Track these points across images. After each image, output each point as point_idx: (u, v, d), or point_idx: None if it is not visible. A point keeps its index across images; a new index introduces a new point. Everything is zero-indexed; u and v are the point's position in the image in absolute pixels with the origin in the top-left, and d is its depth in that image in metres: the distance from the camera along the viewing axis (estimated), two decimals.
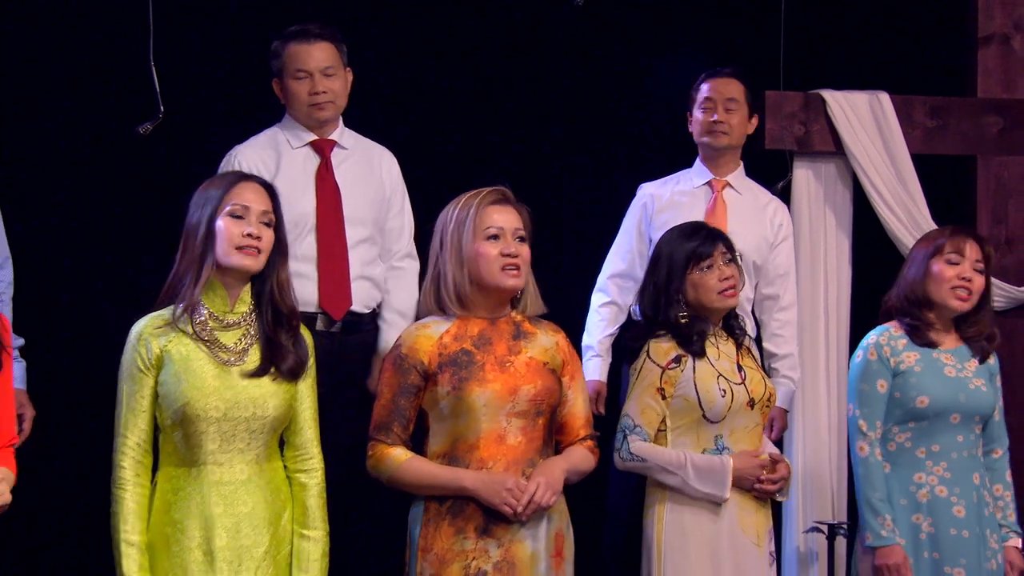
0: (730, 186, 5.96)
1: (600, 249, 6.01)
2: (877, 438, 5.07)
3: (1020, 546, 5.11)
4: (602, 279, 5.95)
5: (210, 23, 6.08)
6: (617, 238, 6.00)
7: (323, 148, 5.47)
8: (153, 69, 5.58)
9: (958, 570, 5.00)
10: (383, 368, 4.57)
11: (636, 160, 6.41)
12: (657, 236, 5.65)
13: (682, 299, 4.93)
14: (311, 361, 4.33)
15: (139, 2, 5.58)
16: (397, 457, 4.45)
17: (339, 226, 5.41)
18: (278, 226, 4.25)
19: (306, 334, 4.33)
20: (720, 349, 4.95)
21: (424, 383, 4.46)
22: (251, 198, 4.15)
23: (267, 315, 4.22)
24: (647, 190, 5.99)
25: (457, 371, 4.43)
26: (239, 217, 4.13)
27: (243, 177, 4.26)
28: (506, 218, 4.50)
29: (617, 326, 5.91)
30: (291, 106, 5.47)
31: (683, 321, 4.91)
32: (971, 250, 5.13)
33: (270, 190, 4.24)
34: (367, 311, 5.47)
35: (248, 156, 5.41)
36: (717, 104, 5.88)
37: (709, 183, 5.95)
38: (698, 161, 6.00)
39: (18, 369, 5.07)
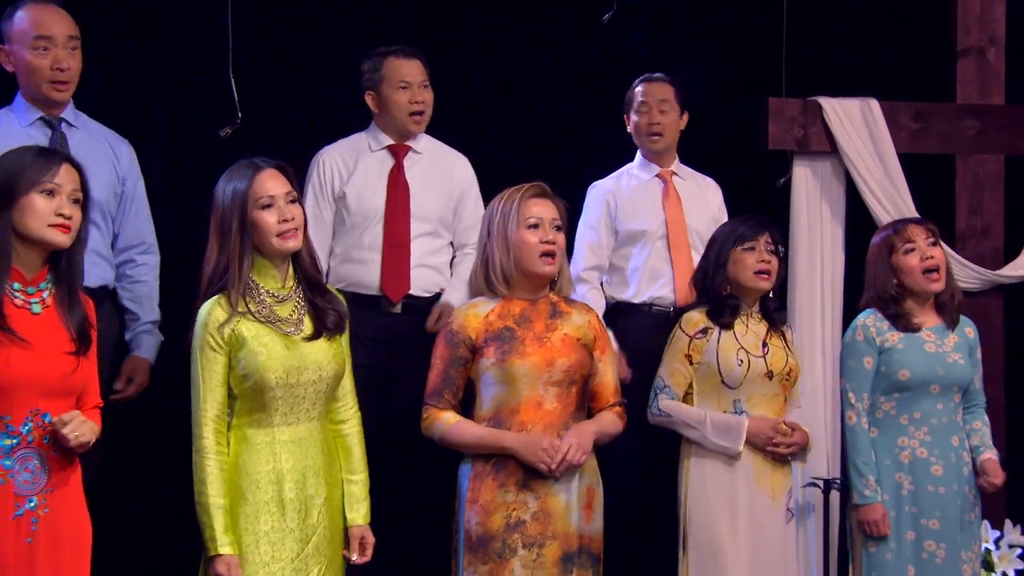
0: (675, 174, 5.98)
1: None
2: (864, 408, 5.21)
3: (995, 458, 5.27)
4: (577, 272, 5.83)
5: (283, 40, 6.17)
6: (584, 234, 5.95)
7: (398, 152, 5.61)
8: (232, 80, 5.66)
9: (933, 521, 5.14)
10: (436, 342, 4.73)
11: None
12: (627, 227, 5.87)
13: (724, 272, 5.14)
14: (347, 321, 4.37)
15: (220, 21, 5.67)
16: (447, 420, 4.66)
17: (405, 220, 5.54)
18: (301, 200, 4.30)
19: (339, 296, 4.38)
20: (749, 327, 5.15)
21: (472, 355, 4.66)
22: (272, 186, 4.17)
23: (304, 283, 4.27)
24: (604, 187, 5.99)
25: (501, 345, 4.62)
26: (269, 207, 4.15)
27: (258, 168, 4.20)
28: (545, 210, 4.69)
29: (603, 308, 5.88)
30: (389, 114, 5.58)
31: (723, 293, 5.13)
32: (917, 232, 5.26)
33: (285, 170, 4.25)
34: (427, 295, 5.56)
35: (330, 157, 5.59)
36: (652, 108, 5.90)
37: (658, 175, 5.96)
38: (640, 156, 6.00)
39: (152, 341, 5.28)
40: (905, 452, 5.19)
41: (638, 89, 5.94)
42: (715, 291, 5.13)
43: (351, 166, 5.55)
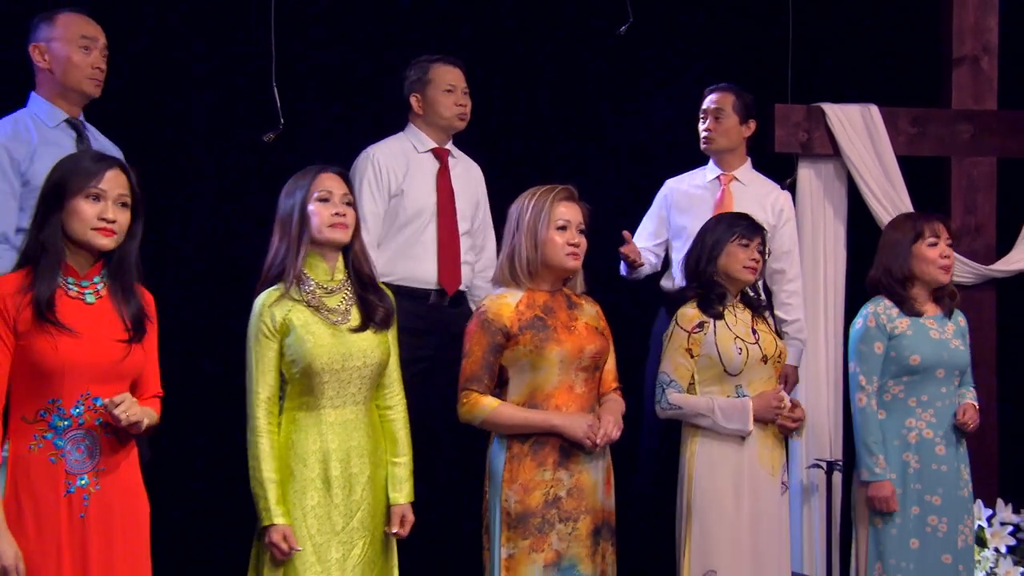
0: (736, 179, 6.05)
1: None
2: (873, 391, 5.27)
3: (975, 403, 5.35)
4: None
5: (322, 50, 6.19)
6: (644, 219, 6.14)
7: (442, 155, 5.70)
8: (275, 89, 5.76)
9: (936, 497, 5.22)
10: (471, 331, 4.70)
11: (655, 162, 6.51)
12: (676, 221, 6.02)
13: (716, 263, 5.15)
14: (394, 316, 4.47)
15: (264, 33, 5.78)
16: (490, 404, 4.63)
17: (454, 219, 5.64)
18: (355, 205, 4.42)
19: (388, 293, 4.47)
20: (737, 316, 5.14)
21: (506, 342, 4.63)
22: (333, 185, 4.32)
23: (355, 278, 4.38)
24: (669, 185, 6.14)
25: (536, 333, 4.61)
26: (326, 200, 4.30)
27: (323, 169, 4.37)
28: (573, 213, 4.71)
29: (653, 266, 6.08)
30: (436, 114, 5.65)
31: (713, 279, 5.14)
32: (943, 229, 5.35)
33: (345, 177, 4.40)
34: (467, 289, 5.69)
35: (383, 157, 5.60)
36: (708, 115, 6.03)
37: (718, 177, 6.06)
38: (711, 160, 6.12)
39: None
40: (912, 433, 5.26)
41: (704, 99, 6.08)
42: (707, 278, 5.17)
43: (404, 166, 5.60)
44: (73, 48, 4.97)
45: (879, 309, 5.33)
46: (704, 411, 5.03)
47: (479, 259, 5.79)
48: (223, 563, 4.95)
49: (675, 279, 5.97)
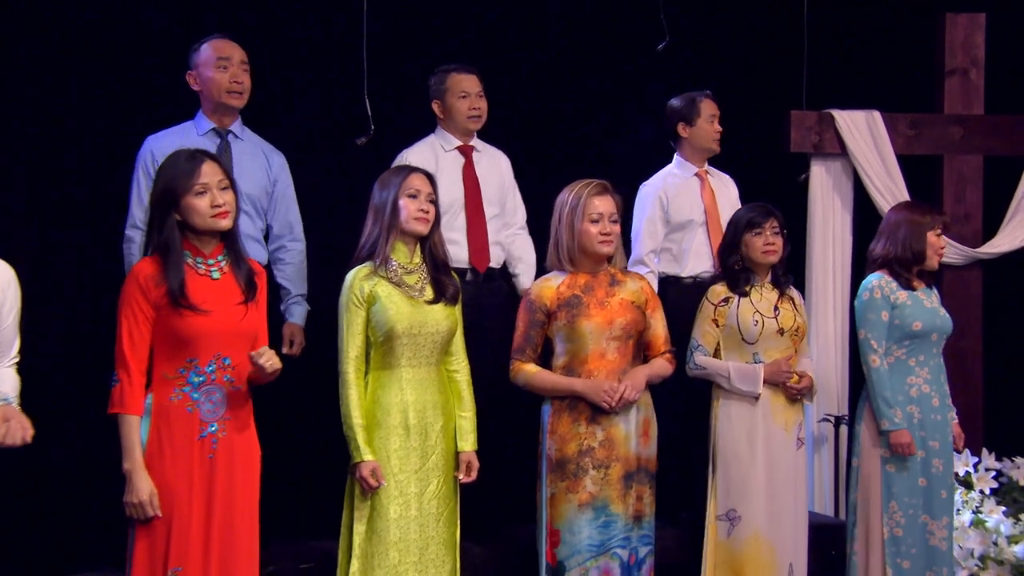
0: (708, 173, 5.95)
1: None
2: (882, 352, 5.30)
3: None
4: (640, 255, 5.85)
5: (408, 63, 6.21)
6: (643, 225, 5.90)
7: (466, 151, 5.68)
8: (367, 99, 5.82)
9: (935, 442, 5.34)
10: (520, 310, 4.91)
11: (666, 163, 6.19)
12: (677, 217, 5.83)
13: (738, 252, 5.24)
14: (460, 294, 4.61)
15: (356, 49, 5.81)
16: (530, 370, 4.87)
17: (480, 207, 5.64)
18: (436, 203, 4.57)
19: (455, 276, 4.63)
20: (763, 295, 5.23)
21: (547, 319, 4.85)
22: (420, 184, 4.50)
23: (431, 262, 4.54)
24: (655, 186, 5.93)
25: (570, 310, 4.79)
26: (414, 196, 4.47)
27: (414, 169, 4.58)
28: (605, 205, 4.81)
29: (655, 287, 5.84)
30: (452, 119, 5.63)
31: (737, 268, 5.23)
32: (945, 223, 5.50)
33: (431, 179, 4.57)
34: (498, 267, 5.69)
35: (417, 156, 5.53)
36: (715, 119, 5.88)
37: (696, 174, 5.92)
38: (679, 158, 5.95)
39: (301, 310, 5.39)
40: (913, 388, 5.34)
41: (703, 103, 5.89)
42: (731, 267, 5.26)
43: (434, 164, 5.52)
44: (212, 69, 5.21)
45: (881, 283, 5.37)
46: (723, 372, 5.16)
47: (510, 231, 5.77)
48: (325, 493, 5.06)
49: (685, 266, 5.90)
